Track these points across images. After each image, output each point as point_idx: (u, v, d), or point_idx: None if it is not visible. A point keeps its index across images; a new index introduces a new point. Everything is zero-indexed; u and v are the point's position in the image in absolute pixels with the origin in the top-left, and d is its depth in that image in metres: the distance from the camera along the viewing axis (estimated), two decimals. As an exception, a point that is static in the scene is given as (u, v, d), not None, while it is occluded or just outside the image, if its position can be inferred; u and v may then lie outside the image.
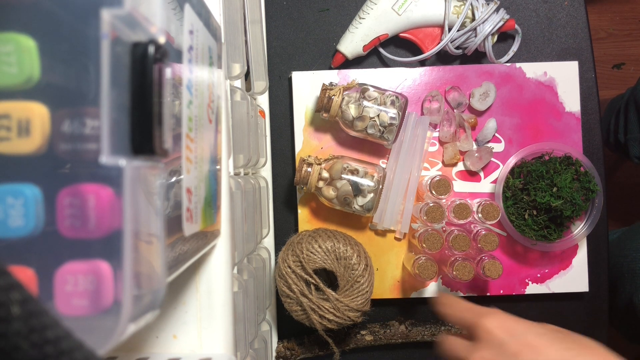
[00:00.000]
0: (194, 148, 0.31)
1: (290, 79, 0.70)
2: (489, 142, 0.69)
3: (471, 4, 0.65)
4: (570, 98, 0.69)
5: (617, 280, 0.77)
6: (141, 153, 0.21)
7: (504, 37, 0.71)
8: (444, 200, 0.66)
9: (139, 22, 0.21)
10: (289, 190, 0.72)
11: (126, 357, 0.37)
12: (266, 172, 0.71)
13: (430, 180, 0.64)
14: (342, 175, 0.62)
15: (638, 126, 0.91)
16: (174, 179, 0.28)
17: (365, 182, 0.62)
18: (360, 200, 0.62)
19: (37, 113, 0.21)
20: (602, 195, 0.65)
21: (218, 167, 0.39)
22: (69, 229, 0.21)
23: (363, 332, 0.69)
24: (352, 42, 0.68)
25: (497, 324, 0.44)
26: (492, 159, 0.69)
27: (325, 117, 0.65)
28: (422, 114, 0.69)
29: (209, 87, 0.35)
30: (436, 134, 0.69)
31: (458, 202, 0.64)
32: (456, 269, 0.63)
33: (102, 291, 0.21)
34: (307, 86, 0.69)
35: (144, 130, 0.21)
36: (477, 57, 0.71)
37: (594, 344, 0.42)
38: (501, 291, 0.68)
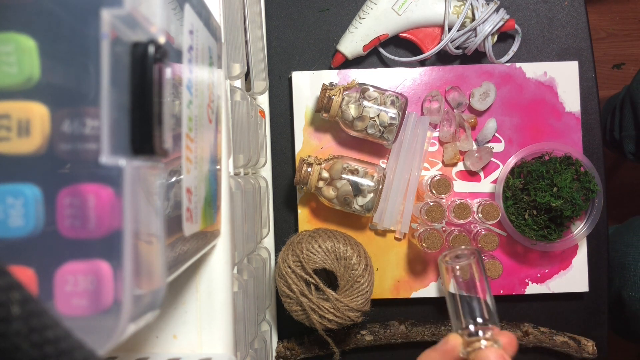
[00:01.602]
0: (194, 148, 0.31)
1: (290, 79, 0.70)
2: (489, 142, 0.69)
3: (471, 4, 0.65)
4: (570, 98, 0.69)
5: (608, 275, 0.78)
6: (141, 153, 0.21)
7: (504, 37, 0.71)
8: (444, 200, 0.66)
9: (139, 22, 0.21)
10: (289, 190, 0.72)
11: (126, 357, 0.37)
12: (266, 172, 0.71)
13: (430, 179, 0.64)
14: (342, 175, 0.62)
15: (633, 124, 0.91)
16: (174, 179, 0.28)
17: (365, 182, 0.62)
18: (360, 200, 0.62)
19: (37, 113, 0.21)
20: (602, 195, 0.65)
21: (218, 167, 0.39)
22: (69, 229, 0.21)
23: (363, 332, 0.69)
24: (352, 42, 0.68)
25: None
26: (492, 159, 0.69)
27: (325, 117, 0.65)
28: (422, 114, 0.69)
29: (209, 87, 0.35)
30: (436, 134, 0.69)
31: (458, 202, 0.64)
32: (456, 269, 0.63)
33: (102, 291, 0.21)
34: (307, 86, 0.69)
35: (144, 130, 0.21)
36: (477, 57, 0.71)
37: None
38: (501, 291, 0.68)
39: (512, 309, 0.71)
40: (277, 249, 0.71)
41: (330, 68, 0.71)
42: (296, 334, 0.70)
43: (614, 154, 1.33)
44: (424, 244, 0.63)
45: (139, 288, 0.22)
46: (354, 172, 0.62)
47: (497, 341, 0.41)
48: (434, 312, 0.71)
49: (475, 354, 0.41)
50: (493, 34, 0.67)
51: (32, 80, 0.21)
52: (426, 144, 0.68)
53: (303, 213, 0.69)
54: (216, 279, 0.40)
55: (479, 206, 0.64)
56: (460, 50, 0.68)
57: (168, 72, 0.23)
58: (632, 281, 0.74)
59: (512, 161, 0.66)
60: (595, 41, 1.37)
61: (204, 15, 0.34)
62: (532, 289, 0.68)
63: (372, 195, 0.62)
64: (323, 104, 0.63)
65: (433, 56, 0.70)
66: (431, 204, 0.63)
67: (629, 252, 0.76)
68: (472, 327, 0.43)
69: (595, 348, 0.68)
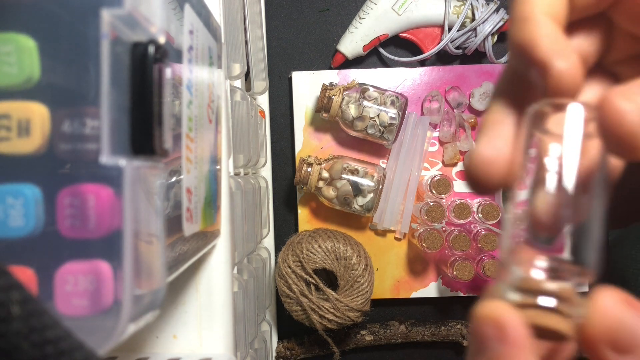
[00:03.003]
0: (194, 148, 0.31)
1: (290, 79, 0.70)
2: (489, 142, 0.69)
3: (471, 4, 0.65)
4: (570, 98, 0.69)
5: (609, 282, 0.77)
6: (141, 153, 0.21)
7: (504, 37, 0.71)
8: (444, 200, 0.66)
9: (139, 22, 0.21)
10: (289, 190, 0.72)
11: (126, 357, 0.37)
12: (266, 172, 0.71)
13: (430, 179, 0.64)
14: (342, 175, 0.62)
15: None
16: (174, 179, 0.28)
17: (365, 182, 0.62)
18: (360, 200, 0.62)
19: (37, 113, 0.21)
20: (602, 195, 0.65)
21: (218, 167, 0.39)
22: (69, 229, 0.21)
23: (363, 332, 0.69)
24: (352, 42, 0.68)
25: None
26: (492, 159, 0.69)
27: (325, 117, 0.65)
28: (422, 114, 0.69)
29: (209, 87, 0.35)
30: (436, 134, 0.69)
31: (458, 202, 0.64)
32: (456, 269, 0.63)
33: (102, 291, 0.21)
34: (307, 86, 0.69)
35: (144, 130, 0.21)
36: (477, 57, 0.71)
37: None
38: (501, 291, 0.68)
39: (512, 309, 0.71)
40: (277, 249, 0.71)
41: (330, 68, 0.71)
42: (296, 334, 0.70)
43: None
44: (424, 244, 0.63)
45: (139, 288, 0.22)
46: (354, 172, 0.62)
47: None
48: (434, 312, 0.71)
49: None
50: (493, 34, 0.67)
51: (32, 80, 0.21)
52: (426, 144, 0.68)
53: (303, 213, 0.69)
54: (216, 279, 0.40)
55: (479, 206, 0.64)
56: (460, 50, 0.68)
57: (168, 72, 0.23)
58: (633, 296, 0.73)
59: (512, 161, 0.66)
60: (595, 41, 1.37)
61: (204, 15, 0.34)
62: (532, 289, 0.68)
63: (372, 195, 0.62)
64: (323, 104, 0.63)
65: (433, 56, 0.70)
66: (431, 204, 0.63)
67: (629, 265, 0.75)
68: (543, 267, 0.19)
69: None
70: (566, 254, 0.19)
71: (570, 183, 0.19)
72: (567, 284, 0.19)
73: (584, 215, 0.19)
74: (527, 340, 0.17)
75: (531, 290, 0.18)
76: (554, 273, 0.19)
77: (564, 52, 0.19)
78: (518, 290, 0.18)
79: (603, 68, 0.24)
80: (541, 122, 0.20)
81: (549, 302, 0.18)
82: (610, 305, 0.16)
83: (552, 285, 0.18)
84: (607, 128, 0.17)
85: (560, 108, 0.19)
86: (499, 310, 0.17)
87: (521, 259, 0.19)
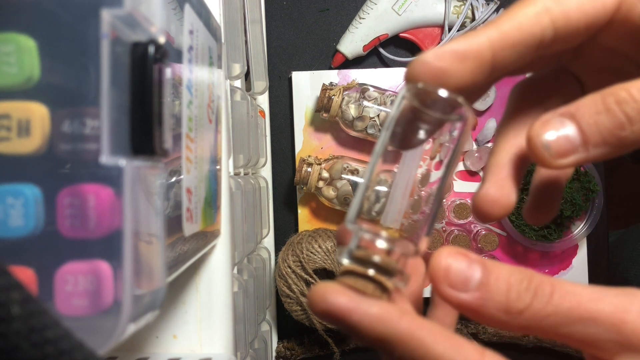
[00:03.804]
0: (194, 148, 0.31)
1: (290, 79, 0.70)
2: (489, 142, 0.69)
3: (471, 4, 0.65)
4: (570, 98, 0.69)
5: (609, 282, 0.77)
6: (141, 153, 0.21)
7: (504, 37, 0.71)
8: (444, 201, 0.66)
9: (139, 22, 0.21)
10: (289, 190, 0.72)
11: (126, 357, 0.37)
12: (266, 172, 0.71)
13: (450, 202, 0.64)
14: (342, 175, 0.62)
15: None
16: (174, 179, 0.28)
17: (365, 182, 0.62)
18: (360, 200, 0.62)
19: (37, 113, 0.21)
20: (602, 195, 0.65)
21: (218, 167, 0.39)
22: (69, 229, 0.21)
23: (363, 332, 0.69)
24: (352, 42, 0.68)
25: None
26: (492, 159, 0.69)
27: (325, 117, 0.65)
28: (422, 114, 0.69)
29: (209, 87, 0.35)
30: (436, 134, 0.69)
31: (458, 202, 0.64)
32: (456, 269, 0.63)
33: (102, 291, 0.21)
34: (307, 86, 0.69)
35: (144, 130, 0.21)
36: (477, 57, 0.71)
37: None
38: (501, 291, 0.68)
39: (512, 309, 0.71)
40: (277, 249, 0.71)
41: (330, 68, 0.71)
42: (296, 334, 0.70)
43: (617, 157, 1.32)
44: (424, 244, 0.63)
45: (139, 288, 0.22)
46: (354, 172, 0.62)
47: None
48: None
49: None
50: (493, 34, 0.67)
51: (32, 80, 0.21)
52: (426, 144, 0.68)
53: (303, 213, 0.69)
54: (216, 279, 0.40)
55: (479, 206, 0.64)
56: (460, 50, 0.68)
57: (168, 72, 0.23)
58: None
59: (512, 161, 0.66)
60: (595, 41, 1.36)
61: (204, 15, 0.34)
62: (532, 289, 0.68)
63: (372, 195, 0.62)
64: (323, 104, 0.63)
65: (433, 56, 0.70)
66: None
67: (631, 267, 0.75)
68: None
69: (595, 348, 0.67)
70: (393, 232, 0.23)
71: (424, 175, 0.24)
72: (394, 252, 0.22)
73: (432, 198, 0.23)
74: (350, 305, 0.20)
75: (360, 257, 0.21)
76: (386, 244, 0.21)
77: (445, 55, 0.22)
78: (351, 256, 0.21)
79: (571, 74, 0.26)
80: (411, 99, 0.23)
81: (370, 271, 0.20)
82: (444, 253, 0.22)
83: (377, 257, 0.21)
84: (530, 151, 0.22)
85: (426, 94, 0.22)
86: (322, 290, 0.20)
87: (360, 228, 0.22)
